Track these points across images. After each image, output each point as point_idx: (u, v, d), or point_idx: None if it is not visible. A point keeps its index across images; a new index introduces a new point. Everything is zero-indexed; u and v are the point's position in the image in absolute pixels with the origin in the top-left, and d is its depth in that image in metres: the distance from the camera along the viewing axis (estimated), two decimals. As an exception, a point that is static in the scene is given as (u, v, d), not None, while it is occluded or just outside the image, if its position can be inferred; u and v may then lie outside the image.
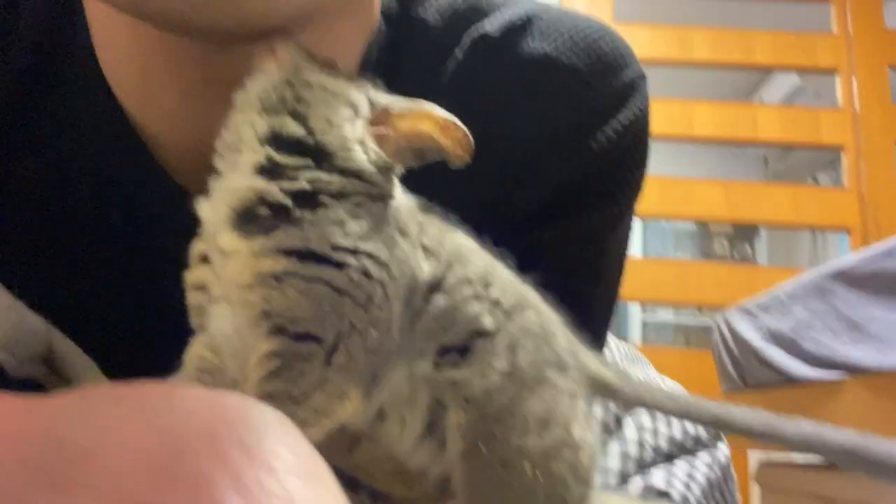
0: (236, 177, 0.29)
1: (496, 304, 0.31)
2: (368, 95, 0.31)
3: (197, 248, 0.30)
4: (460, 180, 0.42)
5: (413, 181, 0.32)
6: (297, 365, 0.26)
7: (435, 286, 0.30)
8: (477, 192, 0.43)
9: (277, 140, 0.29)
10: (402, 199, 0.31)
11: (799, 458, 1.68)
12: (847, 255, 1.43)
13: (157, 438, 0.15)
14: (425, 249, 0.30)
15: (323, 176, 0.28)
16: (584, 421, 0.32)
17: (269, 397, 0.26)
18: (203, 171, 0.33)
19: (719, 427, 0.34)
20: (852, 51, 2.57)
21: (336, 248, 0.27)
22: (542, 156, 0.43)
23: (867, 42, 2.58)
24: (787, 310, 1.46)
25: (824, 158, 3.77)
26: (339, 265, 0.27)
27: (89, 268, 0.41)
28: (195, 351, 0.30)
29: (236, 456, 0.15)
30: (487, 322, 0.30)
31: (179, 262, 0.32)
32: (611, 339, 0.85)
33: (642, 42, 2.51)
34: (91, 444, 0.14)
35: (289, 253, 0.27)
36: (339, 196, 0.28)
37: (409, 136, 0.30)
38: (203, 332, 0.30)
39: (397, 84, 0.42)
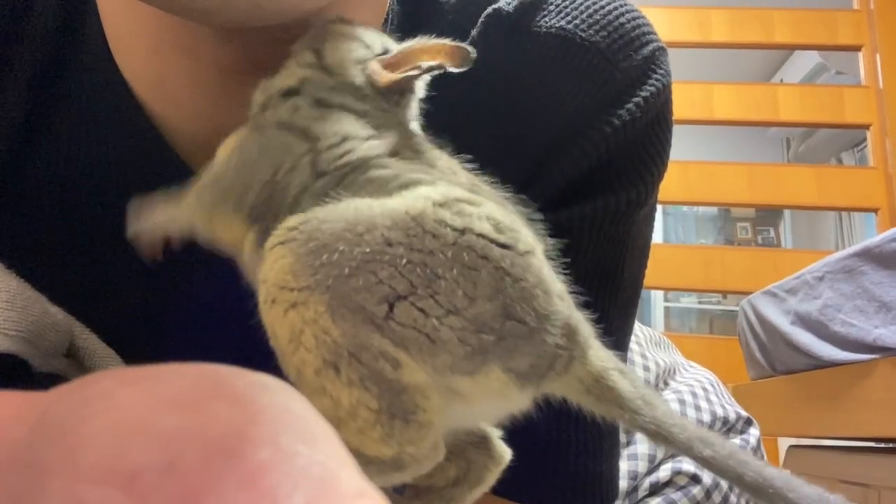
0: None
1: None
2: (383, 41, 0.35)
3: None
4: (482, 163, 0.42)
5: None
6: None
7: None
8: (498, 175, 0.42)
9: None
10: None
11: (828, 441, 1.66)
12: (875, 236, 1.39)
13: (142, 403, 0.14)
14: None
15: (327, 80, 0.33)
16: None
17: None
18: None
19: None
20: (875, 26, 2.51)
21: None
22: (564, 135, 0.42)
23: (890, 16, 2.51)
24: (814, 292, 1.44)
25: (848, 138, 3.70)
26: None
27: (103, 256, 0.41)
28: None
29: (225, 412, 0.14)
30: None
31: (194, 250, 0.31)
32: (635, 325, 0.84)
33: (659, 24, 2.44)
34: (73, 422, 0.14)
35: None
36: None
37: (409, 69, 0.33)
38: None
39: None
